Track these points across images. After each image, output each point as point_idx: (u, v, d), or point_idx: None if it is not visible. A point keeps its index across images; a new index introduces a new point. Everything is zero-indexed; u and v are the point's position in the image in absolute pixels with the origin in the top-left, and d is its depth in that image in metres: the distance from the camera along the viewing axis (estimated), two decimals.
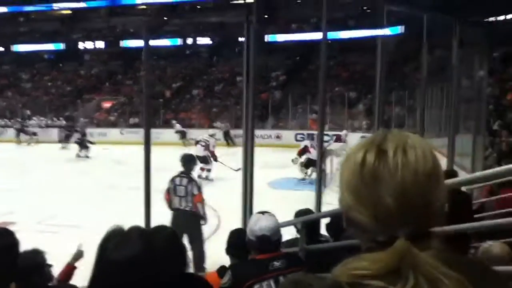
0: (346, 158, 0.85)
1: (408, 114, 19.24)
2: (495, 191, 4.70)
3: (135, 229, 1.34)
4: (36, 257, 2.62)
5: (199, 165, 11.18)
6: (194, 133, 23.70)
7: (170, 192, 5.99)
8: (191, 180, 5.97)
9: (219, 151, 13.90)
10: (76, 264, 3.12)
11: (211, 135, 13.74)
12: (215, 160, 13.07)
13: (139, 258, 1.25)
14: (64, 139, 22.33)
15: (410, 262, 0.73)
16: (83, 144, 18.43)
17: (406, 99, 19.94)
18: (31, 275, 2.54)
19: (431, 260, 0.74)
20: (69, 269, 3.09)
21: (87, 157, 17.87)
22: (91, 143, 18.84)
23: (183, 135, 22.98)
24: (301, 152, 12.93)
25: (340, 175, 0.86)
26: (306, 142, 13.50)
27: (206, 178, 12.46)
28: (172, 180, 6.02)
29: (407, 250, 0.74)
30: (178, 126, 23.70)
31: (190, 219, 5.81)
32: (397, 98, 20.19)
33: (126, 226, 1.34)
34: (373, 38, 21.24)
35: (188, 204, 5.87)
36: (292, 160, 13.03)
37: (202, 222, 5.92)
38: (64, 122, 25.89)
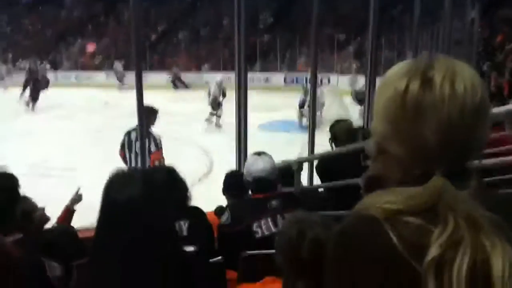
0: (384, 84, 0.78)
1: (397, 58, 19.14)
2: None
3: (136, 171, 1.39)
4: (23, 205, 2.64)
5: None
6: (182, 76, 23.57)
7: (125, 148, 5.29)
8: (148, 135, 4.98)
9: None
10: (75, 207, 3.16)
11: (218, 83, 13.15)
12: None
13: (143, 196, 1.29)
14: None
15: (448, 201, 0.70)
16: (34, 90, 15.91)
17: (396, 43, 19.73)
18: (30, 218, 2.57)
19: (469, 200, 0.71)
20: (68, 213, 3.12)
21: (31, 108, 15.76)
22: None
23: (120, 77, 21.55)
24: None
25: (375, 103, 0.79)
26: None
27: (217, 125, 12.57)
28: (128, 134, 5.28)
29: (445, 187, 0.71)
30: (118, 66, 22.84)
31: None
32: (386, 41, 19.96)
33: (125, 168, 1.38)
34: None
35: (134, 164, 5.09)
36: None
37: None
38: (48, 66, 25.28)
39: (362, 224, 0.73)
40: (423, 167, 0.73)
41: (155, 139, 5.14)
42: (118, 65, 22.99)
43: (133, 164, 5.12)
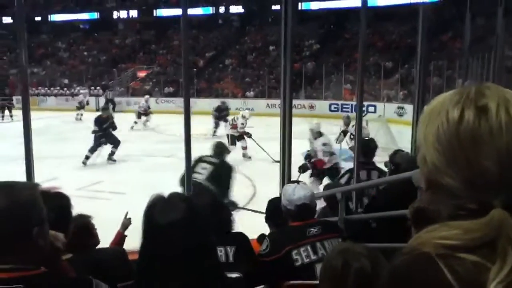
0: (433, 114, 0.76)
1: (446, 85, 18.72)
2: None
3: (176, 195, 1.41)
4: (85, 220, 2.73)
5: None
6: (227, 103, 23.93)
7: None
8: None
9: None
10: (126, 232, 3.23)
11: (244, 116, 12.19)
12: (249, 137, 11.99)
13: (184, 220, 1.31)
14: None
15: (508, 235, 0.66)
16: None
17: (445, 69, 19.34)
18: (82, 237, 2.65)
19: None
20: (120, 237, 3.20)
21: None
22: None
23: (112, 105, 21.71)
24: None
25: (423, 132, 0.77)
26: (347, 114, 12.86)
27: (244, 156, 11.78)
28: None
29: (505, 220, 0.67)
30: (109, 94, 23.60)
31: None
32: (435, 68, 19.60)
33: (166, 193, 1.41)
34: (409, 5, 20.64)
35: None
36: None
37: None
38: (101, 91, 26.43)
39: (416, 262, 0.70)
40: (480, 199, 0.70)
41: None
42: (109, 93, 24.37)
43: None
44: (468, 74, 9.14)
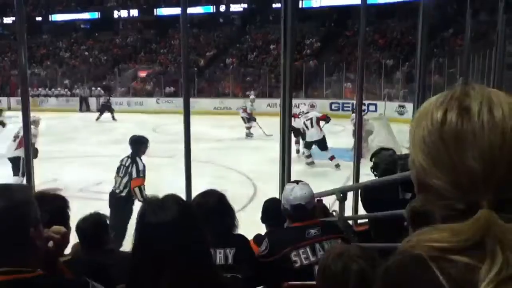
0: (420, 116, 0.77)
1: (448, 83, 18.70)
2: None
3: (170, 196, 1.42)
4: (102, 220, 2.74)
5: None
6: (228, 102, 24.00)
7: (117, 171, 5.89)
8: (134, 162, 5.71)
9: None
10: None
11: (251, 100, 15.81)
12: (253, 120, 15.17)
13: (176, 221, 1.31)
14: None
15: (496, 235, 0.67)
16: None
17: (446, 67, 19.30)
18: (97, 236, 2.65)
19: None
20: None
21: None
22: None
23: (108, 109, 21.83)
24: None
25: (412, 135, 0.78)
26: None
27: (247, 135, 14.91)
28: (121, 159, 5.94)
29: (492, 220, 0.68)
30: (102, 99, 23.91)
31: (117, 200, 5.70)
32: (436, 65, 19.54)
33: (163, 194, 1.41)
34: (410, 2, 20.58)
35: (120, 186, 5.76)
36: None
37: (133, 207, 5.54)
38: (102, 92, 26.55)
39: (409, 263, 0.71)
40: (467, 199, 0.70)
41: (138, 167, 5.65)
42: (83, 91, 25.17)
43: (117, 185, 5.80)
44: (469, 72, 9.11)
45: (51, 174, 9.52)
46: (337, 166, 10.30)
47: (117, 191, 5.77)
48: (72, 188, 8.49)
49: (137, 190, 5.57)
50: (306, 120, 10.83)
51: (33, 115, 10.13)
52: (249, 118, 15.21)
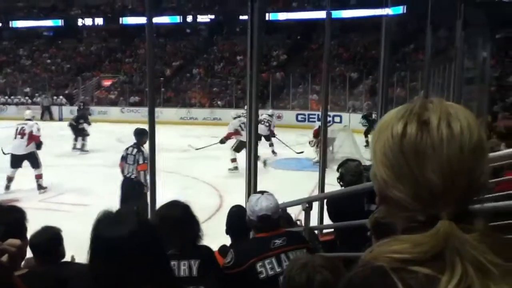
0: (381, 129, 0.77)
1: (410, 96, 19.22)
2: (497, 174, 4.70)
3: (125, 209, 1.39)
4: (55, 234, 2.68)
5: (265, 143, 12.47)
6: (194, 112, 23.87)
7: (123, 160, 6.83)
8: (139, 150, 6.74)
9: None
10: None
11: (270, 115, 13.96)
12: (273, 136, 13.50)
13: (131, 234, 1.29)
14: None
15: (455, 246, 0.68)
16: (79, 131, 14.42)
17: (408, 81, 19.84)
18: (51, 251, 2.58)
19: (477, 244, 0.68)
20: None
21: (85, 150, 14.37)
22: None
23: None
24: (317, 133, 12.29)
25: (373, 148, 0.78)
26: (319, 123, 13.11)
27: (273, 152, 13.13)
28: (126, 149, 6.92)
29: (451, 232, 0.69)
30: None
31: (132, 184, 6.61)
32: (398, 79, 20.05)
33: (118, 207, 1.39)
34: (374, 17, 21.15)
35: (132, 172, 6.69)
36: (309, 143, 12.49)
37: (144, 189, 6.35)
38: (64, 100, 25.95)
39: (370, 275, 0.71)
40: (427, 211, 0.71)
41: (143, 154, 6.64)
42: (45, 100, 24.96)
43: (125, 173, 6.76)
44: (429, 85, 9.41)
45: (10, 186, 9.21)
46: (264, 163, 11.14)
47: (132, 176, 6.70)
48: (31, 198, 8.24)
49: (142, 173, 6.57)
50: (242, 124, 11.48)
51: (30, 111, 10.59)
52: (269, 136, 13.42)
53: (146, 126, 4.13)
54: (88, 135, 14.14)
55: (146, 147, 6.33)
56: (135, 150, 6.77)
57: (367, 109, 19.03)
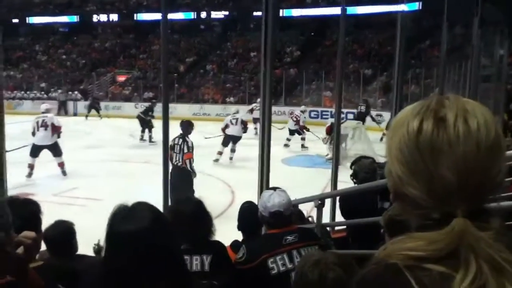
0: (396, 126, 0.77)
1: (424, 93, 19.02)
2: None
3: (139, 204, 1.39)
4: (69, 227, 2.71)
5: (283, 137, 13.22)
6: (207, 108, 23.93)
7: (171, 150, 7.07)
8: (184, 140, 7.31)
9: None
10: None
11: (302, 111, 14.89)
12: (307, 130, 14.08)
13: (146, 229, 1.29)
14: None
15: (470, 244, 0.67)
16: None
17: (423, 78, 19.63)
18: (65, 244, 2.61)
19: (493, 243, 0.68)
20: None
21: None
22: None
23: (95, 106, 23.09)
24: (330, 130, 12.35)
25: (388, 144, 0.78)
26: (332, 120, 13.13)
27: (303, 146, 13.74)
28: (173, 139, 7.23)
29: (466, 229, 0.68)
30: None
31: (179, 172, 6.98)
32: (413, 76, 19.84)
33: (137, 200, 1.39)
34: (389, 14, 20.94)
35: (179, 160, 7.18)
36: (323, 140, 12.47)
37: (192, 175, 7.16)
38: (79, 95, 26.20)
39: (383, 272, 0.71)
40: (442, 209, 0.71)
41: (187, 143, 7.30)
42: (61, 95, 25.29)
43: (172, 161, 7.03)
44: (445, 83, 9.30)
45: (24, 179, 9.34)
46: (231, 159, 11.81)
47: (179, 164, 7.19)
48: (45, 193, 8.33)
49: (187, 161, 7.17)
50: (233, 119, 12.24)
51: (45, 105, 11.91)
52: (299, 130, 14.01)
53: (160, 122, 4.15)
54: (153, 127, 14.67)
55: (191, 137, 7.51)
56: (181, 140, 7.29)
57: (381, 106, 18.89)
